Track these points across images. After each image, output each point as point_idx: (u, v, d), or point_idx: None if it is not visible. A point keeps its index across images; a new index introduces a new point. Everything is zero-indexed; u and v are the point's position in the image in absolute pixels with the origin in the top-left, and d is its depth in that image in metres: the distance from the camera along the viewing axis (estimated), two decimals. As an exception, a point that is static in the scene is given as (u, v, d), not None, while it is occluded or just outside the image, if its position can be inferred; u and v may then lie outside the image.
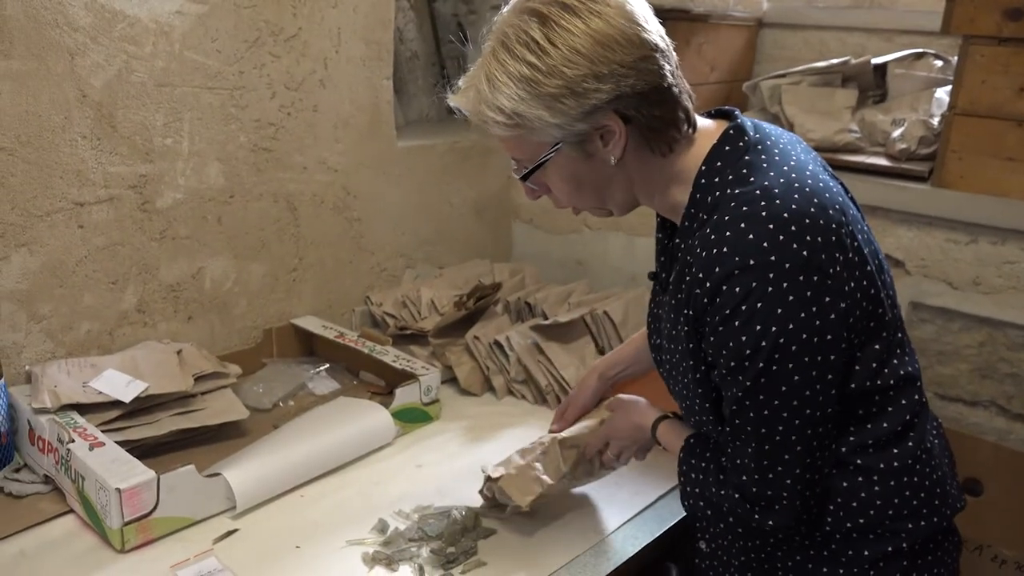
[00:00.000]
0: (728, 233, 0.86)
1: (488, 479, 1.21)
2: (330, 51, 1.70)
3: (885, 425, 0.95)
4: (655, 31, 0.91)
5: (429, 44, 2.26)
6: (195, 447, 1.39)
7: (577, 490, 1.30)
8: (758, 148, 0.93)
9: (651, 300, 1.14)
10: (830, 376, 0.88)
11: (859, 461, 0.95)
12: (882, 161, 1.69)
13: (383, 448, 1.44)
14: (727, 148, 0.94)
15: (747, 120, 0.98)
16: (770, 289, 0.84)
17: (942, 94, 1.73)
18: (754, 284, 0.85)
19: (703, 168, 0.94)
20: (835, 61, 1.88)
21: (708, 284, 0.87)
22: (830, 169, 1.02)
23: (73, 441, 1.20)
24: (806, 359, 0.86)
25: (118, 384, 1.34)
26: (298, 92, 1.66)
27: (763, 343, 0.85)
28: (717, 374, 0.93)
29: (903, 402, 0.96)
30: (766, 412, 0.89)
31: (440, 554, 1.16)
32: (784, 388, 0.87)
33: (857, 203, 1.01)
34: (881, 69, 1.88)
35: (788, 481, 0.91)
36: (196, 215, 1.56)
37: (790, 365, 0.86)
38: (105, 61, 1.37)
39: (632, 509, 1.27)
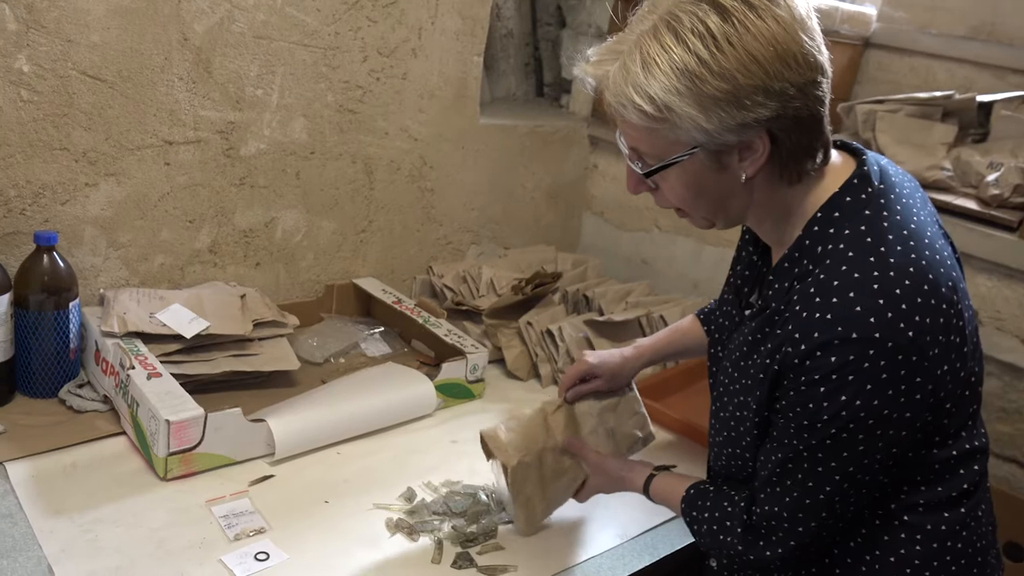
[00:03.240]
0: (835, 300, 0.83)
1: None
2: (426, 21, 1.72)
3: (940, 490, 0.92)
4: (825, 51, 0.84)
5: (526, 24, 2.26)
6: (245, 390, 1.44)
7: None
8: (880, 203, 0.88)
9: (721, 307, 1.10)
10: (894, 450, 0.86)
11: (906, 518, 0.92)
12: (971, 204, 1.63)
13: (423, 418, 1.47)
14: (848, 199, 0.89)
15: (874, 164, 0.92)
16: (866, 365, 0.81)
17: (1047, 143, 1.66)
18: (852, 358, 0.81)
19: (819, 215, 0.89)
20: (938, 94, 1.81)
21: (803, 347, 0.83)
22: (942, 225, 0.98)
23: (133, 368, 1.26)
24: (878, 432, 0.84)
25: (182, 319, 1.40)
26: (389, 59, 1.69)
27: (843, 413, 0.83)
28: (781, 419, 0.89)
29: (962, 472, 0.93)
30: (820, 469, 0.87)
31: (460, 531, 1.18)
32: (847, 454, 0.85)
33: (962, 265, 0.97)
34: (986, 108, 1.81)
35: (813, 525, 0.90)
36: (276, 167, 1.61)
37: (860, 436, 0.84)
38: (209, 8, 1.42)
39: (657, 517, 1.27)
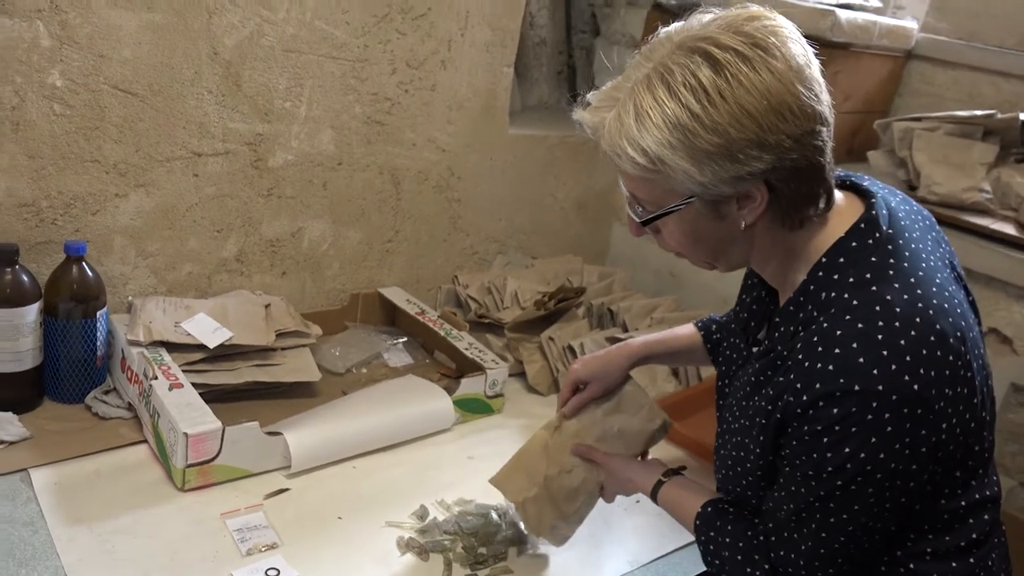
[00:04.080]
0: (837, 350, 0.81)
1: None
2: (456, 33, 1.72)
3: (948, 539, 0.90)
4: (826, 99, 0.83)
5: (559, 32, 2.25)
6: (267, 399, 1.46)
7: (619, 515, 1.30)
8: (887, 248, 0.86)
9: (729, 337, 1.09)
10: (903, 499, 0.85)
11: (912, 566, 0.90)
12: (1009, 229, 1.58)
13: (440, 433, 1.47)
14: (854, 244, 0.87)
15: (883, 207, 0.89)
16: (870, 417, 0.79)
17: (1092, 166, 1.60)
18: (854, 410, 0.80)
19: (823, 260, 0.87)
20: (979, 112, 1.76)
21: (805, 397, 0.82)
22: (958, 268, 0.95)
23: (156, 378, 1.28)
24: (886, 484, 0.82)
25: (206, 329, 1.42)
26: (418, 71, 1.69)
27: (848, 465, 0.81)
28: (787, 467, 0.88)
29: (971, 521, 0.91)
30: (832, 520, 0.85)
31: (471, 552, 1.18)
32: (858, 507, 0.84)
33: (978, 309, 0.94)
34: (1030, 126, 1.75)
35: (831, 571, 0.89)
36: (303, 178, 1.62)
37: (869, 489, 0.82)
38: (240, 23, 1.44)
39: (669, 545, 1.26)
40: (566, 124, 2.14)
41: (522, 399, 1.64)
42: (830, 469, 0.82)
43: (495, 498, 1.30)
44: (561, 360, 1.66)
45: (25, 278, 1.28)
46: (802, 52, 0.82)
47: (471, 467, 1.40)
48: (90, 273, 1.34)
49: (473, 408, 1.53)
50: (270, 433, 1.29)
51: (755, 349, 0.99)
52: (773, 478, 0.92)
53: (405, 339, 1.73)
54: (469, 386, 1.51)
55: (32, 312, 1.29)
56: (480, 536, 1.22)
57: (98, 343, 1.37)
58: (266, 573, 1.09)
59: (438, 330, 1.66)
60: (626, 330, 1.73)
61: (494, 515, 1.26)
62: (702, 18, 0.84)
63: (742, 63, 0.79)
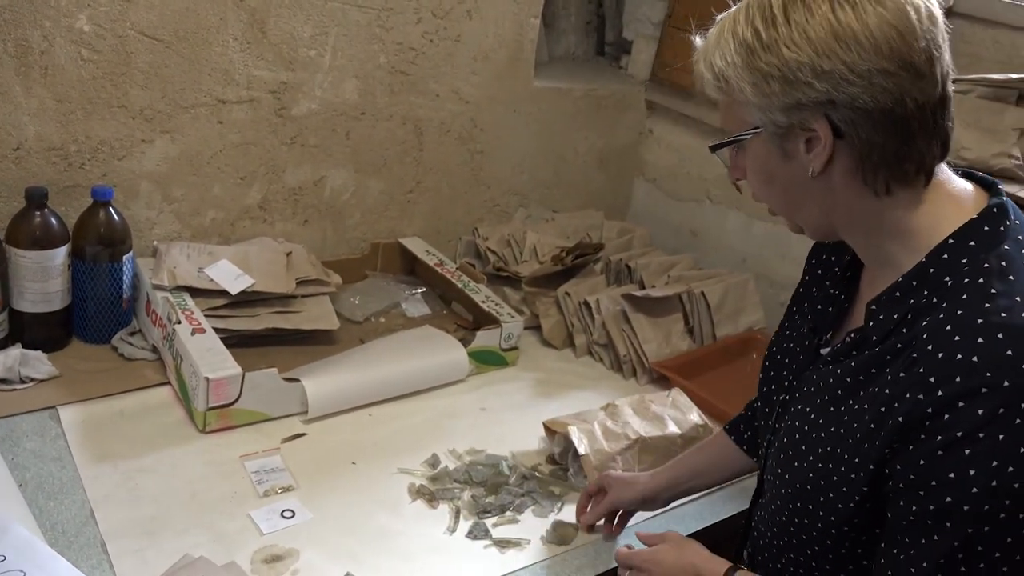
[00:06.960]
0: (980, 340, 0.71)
1: (567, 443, 1.29)
2: (482, -17, 1.70)
3: None
4: (923, 50, 0.75)
5: (589, -19, 2.21)
6: (286, 345, 1.49)
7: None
8: (1019, 239, 0.78)
9: (777, 343, 1.02)
10: None
11: None
12: (1038, 198, 1.56)
13: (454, 384, 1.50)
14: (986, 228, 0.78)
15: (1009, 200, 0.82)
16: (1018, 421, 0.69)
17: None
18: (1002, 411, 0.69)
19: (951, 241, 0.78)
20: (1015, 76, 1.71)
21: (940, 393, 0.71)
22: None
23: (179, 323, 1.32)
24: None
25: (228, 275, 1.45)
26: (444, 20, 1.68)
27: (994, 483, 0.70)
28: (910, 506, 0.75)
29: None
30: (982, 566, 0.72)
31: (479, 502, 1.22)
32: (1010, 539, 0.71)
33: None
34: (1068, 92, 1.71)
35: None
36: (327, 127, 1.63)
37: (1021, 516, 0.71)
38: (264, -31, 1.43)
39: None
40: (592, 76, 2.13)
41: (537, 353, 1.66)
42: (973, 491, 0.70)
43: (506, 448, 1.34)
44: (576, 316, 1.68)
45: (54, 221, 1.31)
46: (916, 4, 0.76)
47: (483, 418, 1.43)
48: (116, 217, 1.37)
49: (488, 360, 1.56)
50: (288, 379, 1.32)
51: (825, 350, 0.91)
52: (872, 507, 0.80)
53: (423, 290, 1.76)
54: (484, 338, 1.54)
55: (60, 255, 1.32)
56: (489, 486, 1.25)
57: (124, 286, 1.41)
58: (282, 514, 1.13)
59: (456, 282, 1.68)
60: (643, 287, 1.74)
61: (504, 466, 1.30)
62: None
63: None
